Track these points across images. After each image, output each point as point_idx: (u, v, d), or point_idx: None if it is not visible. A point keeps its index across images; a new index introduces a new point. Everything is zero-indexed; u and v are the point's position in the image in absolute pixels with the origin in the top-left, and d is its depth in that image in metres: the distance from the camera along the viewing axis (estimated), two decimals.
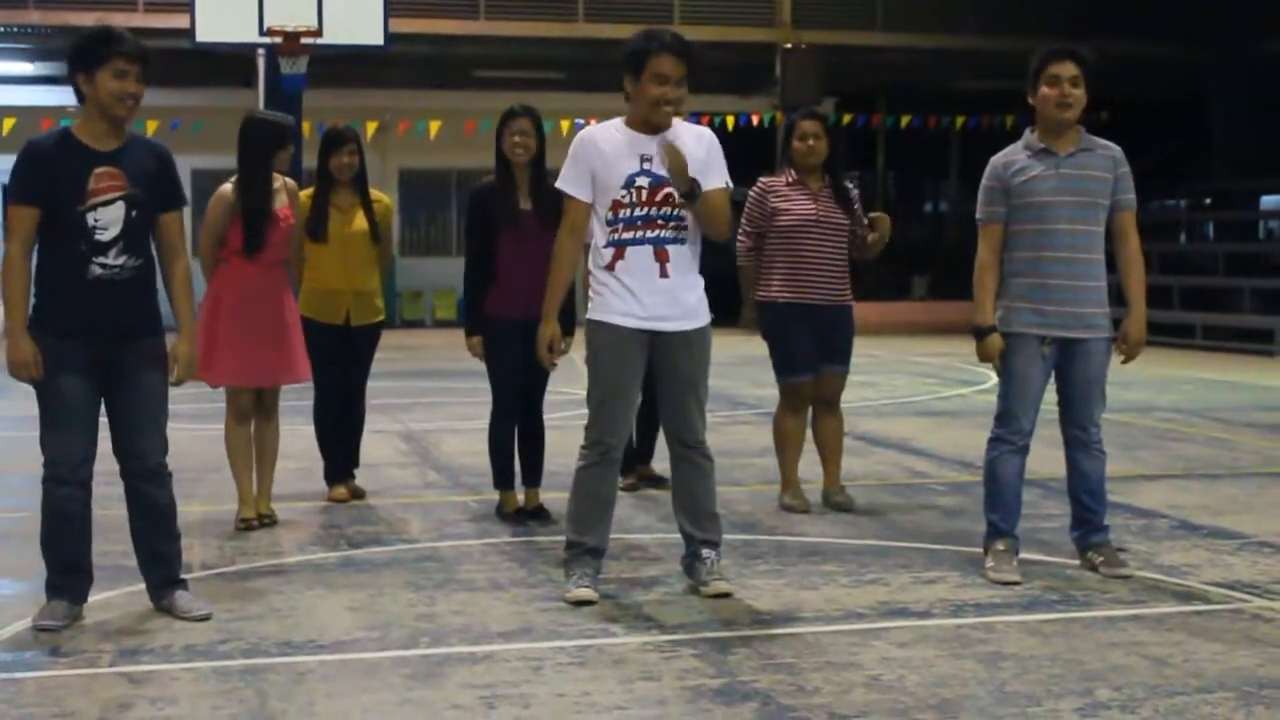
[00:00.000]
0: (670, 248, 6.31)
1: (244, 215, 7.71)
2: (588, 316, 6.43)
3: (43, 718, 4.86)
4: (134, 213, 5.92)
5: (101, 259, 5.86)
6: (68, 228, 5.83)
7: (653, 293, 6.29)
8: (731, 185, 6.46)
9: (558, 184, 6.46)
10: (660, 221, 6.29)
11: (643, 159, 6.29)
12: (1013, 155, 6.78)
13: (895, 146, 30.48)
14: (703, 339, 6.44)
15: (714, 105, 24.86)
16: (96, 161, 5.87)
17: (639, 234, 6.29)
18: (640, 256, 6.29)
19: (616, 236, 6.31)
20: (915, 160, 33.08)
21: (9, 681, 5.27)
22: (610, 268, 6.33)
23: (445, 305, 27.90)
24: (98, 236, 5.85)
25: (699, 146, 6.38)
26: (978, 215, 6.84)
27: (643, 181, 6.28)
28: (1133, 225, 6.80)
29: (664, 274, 6.30)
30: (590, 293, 6.43)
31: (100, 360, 5.91)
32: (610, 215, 6.30)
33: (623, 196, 6.28)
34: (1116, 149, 6.76)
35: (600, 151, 6.32)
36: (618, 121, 6.43)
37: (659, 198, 6.28)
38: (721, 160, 6.46)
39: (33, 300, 5.91)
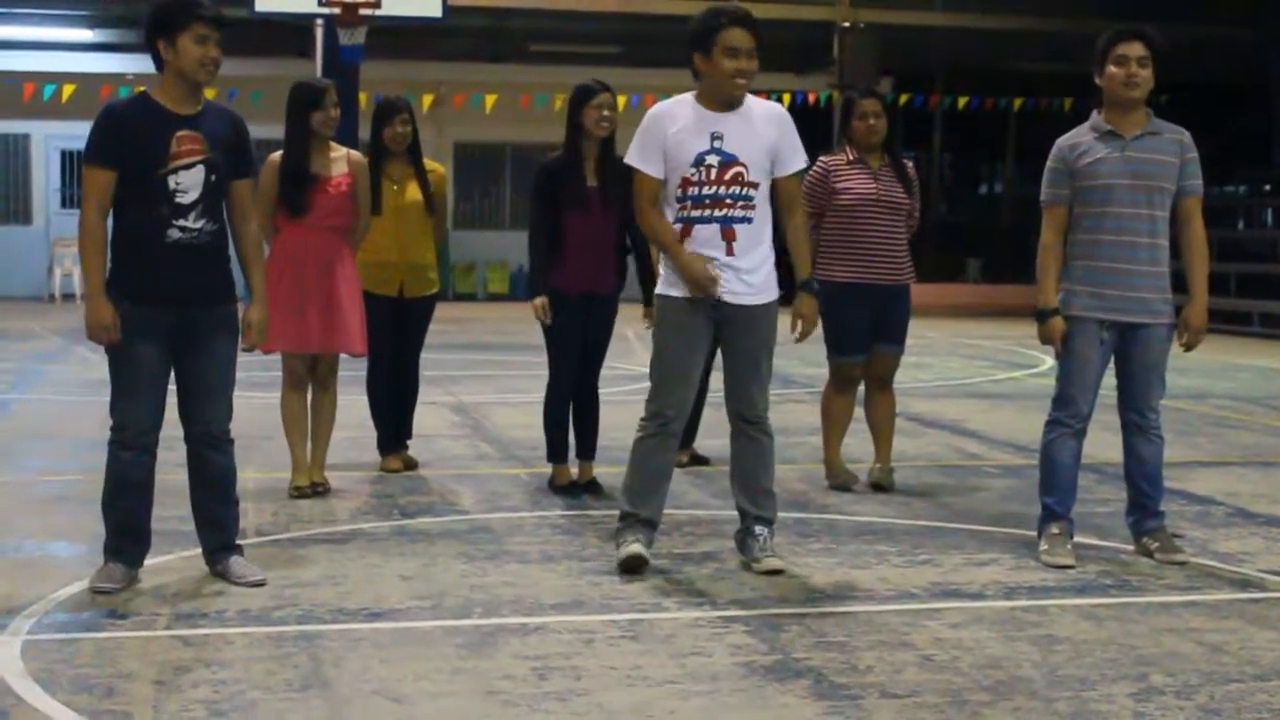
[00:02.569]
0: (738, 227, 6.32)
1: (280, 176, 7.82)
2: (656, 291, 6.48)
3: (99, 678, 4.90)
4: (213, 177, 5.96)
5: (181, 222, 5.90)
6: (148, 191, 5.87)
7: (718, 269, 6.29)
8: (807, 162, 6.51)
9: (627, 159, 6.46)
10: (729, 201, 6.29)
11: (713, 136, 6.29)
12: (1078, 137, 6.74)
13: (952, 127, 30.30)
14: (767, 315, 6.44)
15: (771, 83, 24.76)
16: (178, 125, 5.91)
17: (707, 212, 6.30)
18: (707, 234, 6.30)
19: (685, 214, 6.32)
20: (972, 141, 32.92)
21: (66, 642, 5.31)
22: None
23: (498, 279, 27.96)
24: (178, 199, 5.89)
25: (771, 127, 6.39)
26: (1042, 197, 6.79)
27: (712, 160, 6.28)
28: (1198, 211, 6.73)
29: (730, 252, 6.31)
30: (659, 268, 6.46)
31: (174, 326, 5.95)
32: (679, 192, 6.31)
33: (692, 174, 6.28)
34: (1185, 133, 6.70)
35: (670, 128, 6.32)
36: (688, 97, 6.42)
37: (728, 176, 6.28)
38: (797, 139, 6.48)
39: (108, 264, 5.95)
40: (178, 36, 5.89)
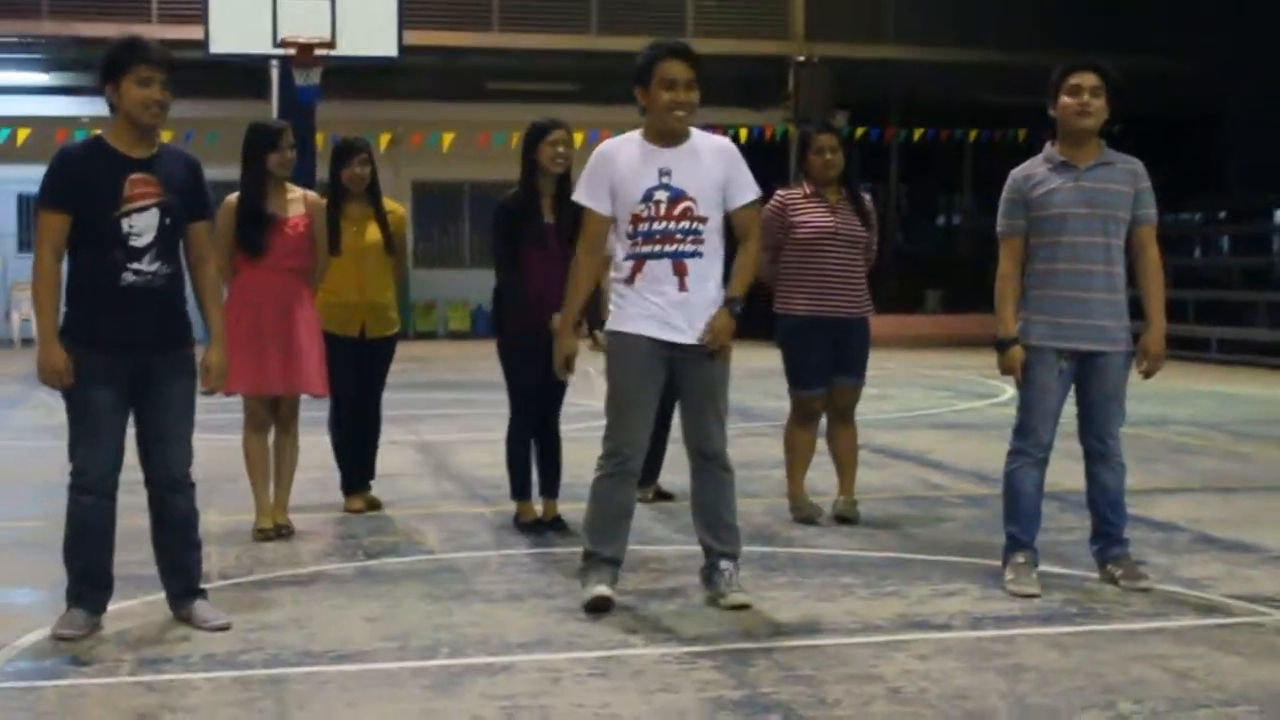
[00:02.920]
0: (689, 261, 6.32)
1: (237, 217, 7.81)
2: (607, 328, 6.46)
3: None
4: (167, 220, 5.94)
5: (135, 265, 5.88)
6: (102, 234, 5.84)
7: (671, 306, 6.31)
8: (759, 194, 6.51)
9: (574, 197, 6.51)
10: (679, 236, 6.30)
11: (660, 172, 6.31)
12: (1032, 168, 6.78)
13: (908, 160, 30.43)
14: (722, 352, 6.44)
15: (726, 118, 24.82)
16: (131, 168, 5.90)
17: (657, 248, 6.31)
18: (659, 270, 6.31)
19: (636, 250, 6.33)
20: (928, 174, 33.03)
21: (28, 690, 5.27)
22: (630, 281, 6.35)
23: (458, 317, 27.95)
24: (132, 243, 5.87)
25: (718, 161, 6.40)
26: (998, 228, 6.83)
27: (661, 195, 6.30)
28: (1152, 240, 6.78)
29: (682, 287, 6.32)
30: (610, 305, 6.46)
31: (131, 370, 5.93)
32: (630, 229, 6.33)
33: (642, 210, 6.29)
34: (1137, 163, 6.75)
35: (618, 165, 6.35)
36: (634, 134, 6.45)
37: (677, 211, 6.29)
38: (746, 170, 6.48)
39: (63, 309, 5.93)
40: (121, 79, 5.89)
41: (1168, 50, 25.05)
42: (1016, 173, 6.84)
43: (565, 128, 8.00)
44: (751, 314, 6.58)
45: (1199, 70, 26.14)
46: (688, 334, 6.34)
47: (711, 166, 6.38)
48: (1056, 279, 6.66)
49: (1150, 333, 6.77)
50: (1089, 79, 6.63)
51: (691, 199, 6.31)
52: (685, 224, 6.31)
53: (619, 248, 6.40)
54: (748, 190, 6.47)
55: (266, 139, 7.90)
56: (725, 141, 6.57)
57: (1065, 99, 6.65)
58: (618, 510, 6.48)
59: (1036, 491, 6.82)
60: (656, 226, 6.30)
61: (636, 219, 6.31)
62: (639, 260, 6.33)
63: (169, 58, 5.99)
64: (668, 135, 6.36)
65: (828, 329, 8.28)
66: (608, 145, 6.45)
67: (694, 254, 6.33)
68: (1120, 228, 6.69)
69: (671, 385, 6.51)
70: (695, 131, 6.45)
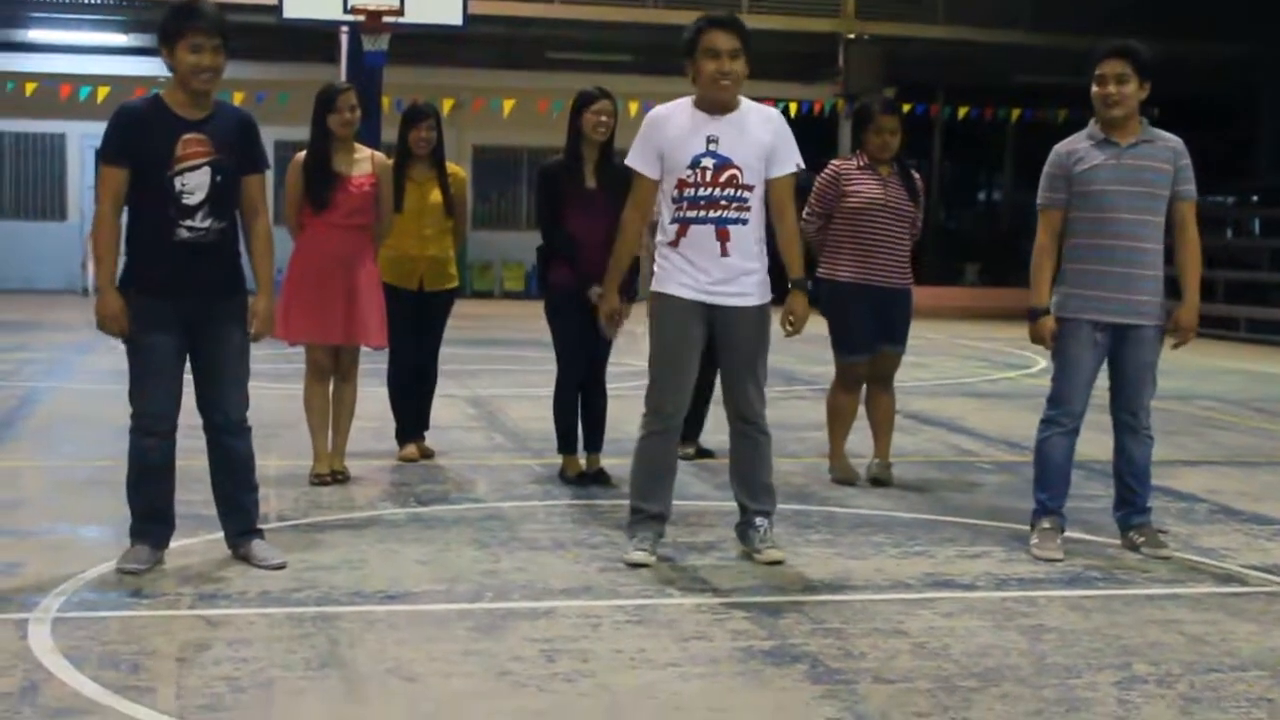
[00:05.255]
0: (731, 228, 6.41)
1: (304, 172, 8.04)
2: (651, 289, 6.57)
3: (125, 654, 5.03)
4: (219, 178, 6.07)
5: (188, 222, 6.03)
6: (157, 191, 6.00)
7: (713, 269, 6.42)
8: (802, 167, 6.61)
9: (627, 161, 6.59)
10: (723, 202, 6.40)
11: (708, 139, 6.40)
12: (1075, 144, 6.87)
13: (952, 137, 30.44)
14: (761, 317, 6.54)
15: (777, 92, 24.91)
16: (184, 128, 6.02)
17: (702, 213, 6.40)
18: (702, 235, 6.41)
19: (681, 214, 6.43)
20: (971, 151, 33.02)
21: (94, 620, 5.45)
22: (674, 244, 6.46)
23: (514, 277, 28.20)
24: (185, 201, 6.01)
25: (765, 130, 6.49)
26: (1038, 200, 6.92)
27: (708, 162, 6.39)
28: (1192, 216, 6.83)
29: (724, 253, 6.41)
30: (654, 266, 6.57)
31: (187, 317, 6.08)
32: (675, 193, 6.42)
33: (688, 176, 6.39)
34: (1177, 141, 6.81)
35: (667, 131, 6.45)
36: (686, 101, 6.54)
37: (723, 178, 6.39)
38: (792, 142, 6.56)
39: (122, 258, 6.10)
40: (175, 45, 6.01)
41: (1207, 32, 24.97)
42: (1060, 147, 6.91)
43: (610, 98, 8.18)
44: (781, 284, 6.71)
45: (1236, 52, 26.07)
46: (728, 297, 6.45)
47: (758, 135, 6.46)
48: (1096, 254, 6.74)
49: (1184, 307, 6.82)
50: (1114, 67, 6.69)
51: (737, 167, 6.40)
52: (730, 191, 6.40)
53: (664, 211, 6.50)
54: (789, 162, 6.54)
55: (327, 101, 8.12)
56: (774, 112, 6.66)
57: (1095, 88, 6.75)
58: (662, 467, 6.62)
59: (1066, 460, 6.93)
60: (702, 193, 6.39)
61: (683, 184, 6.40)
62: (683, 225, 6.43)
63: (223, 22, 6.08)
64: (716, 105, 6.45)
65: (871, 297, 8.39)
66: (659, 111, 6.56)
67: (738, 220, 6.42)
68: (1160, 204, 6.76)
69: (711, 348, 6.63)
70: (746, 101, 6.54)
